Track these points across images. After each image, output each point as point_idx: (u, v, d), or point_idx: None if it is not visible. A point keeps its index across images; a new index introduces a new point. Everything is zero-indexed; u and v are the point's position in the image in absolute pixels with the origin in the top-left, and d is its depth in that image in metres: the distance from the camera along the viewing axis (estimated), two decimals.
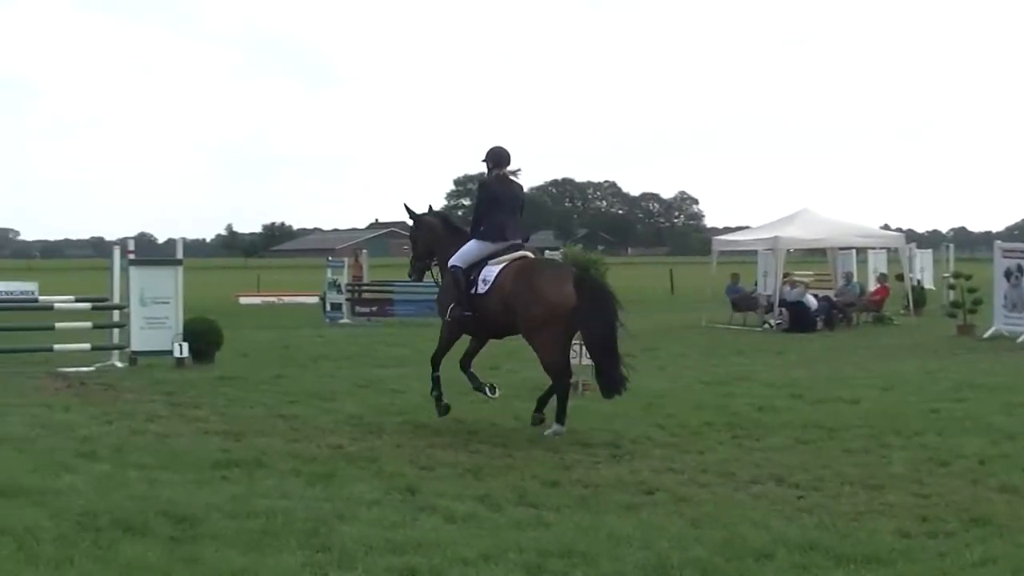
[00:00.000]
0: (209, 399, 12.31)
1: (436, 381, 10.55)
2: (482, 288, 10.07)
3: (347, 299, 28.71)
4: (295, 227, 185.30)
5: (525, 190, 10.94)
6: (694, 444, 9.41)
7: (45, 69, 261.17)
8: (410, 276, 11.40)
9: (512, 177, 10.47)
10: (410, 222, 11.06)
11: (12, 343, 16.74)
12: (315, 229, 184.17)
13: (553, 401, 9.97)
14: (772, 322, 24.02)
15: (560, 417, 9.87)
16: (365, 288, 30.00)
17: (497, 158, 10.37)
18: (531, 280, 9.82)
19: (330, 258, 31.96)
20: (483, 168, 10.55)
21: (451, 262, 10.34)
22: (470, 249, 10.31)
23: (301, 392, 12.89)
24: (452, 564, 5.86)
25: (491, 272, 10.06)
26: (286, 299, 40.75)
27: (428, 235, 10.91)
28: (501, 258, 10.14)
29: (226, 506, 7.01)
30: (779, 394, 12.51)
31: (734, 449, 9.19)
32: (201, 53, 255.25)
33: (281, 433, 10.01)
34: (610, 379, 9.72)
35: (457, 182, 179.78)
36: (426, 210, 11.13)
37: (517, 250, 10.28)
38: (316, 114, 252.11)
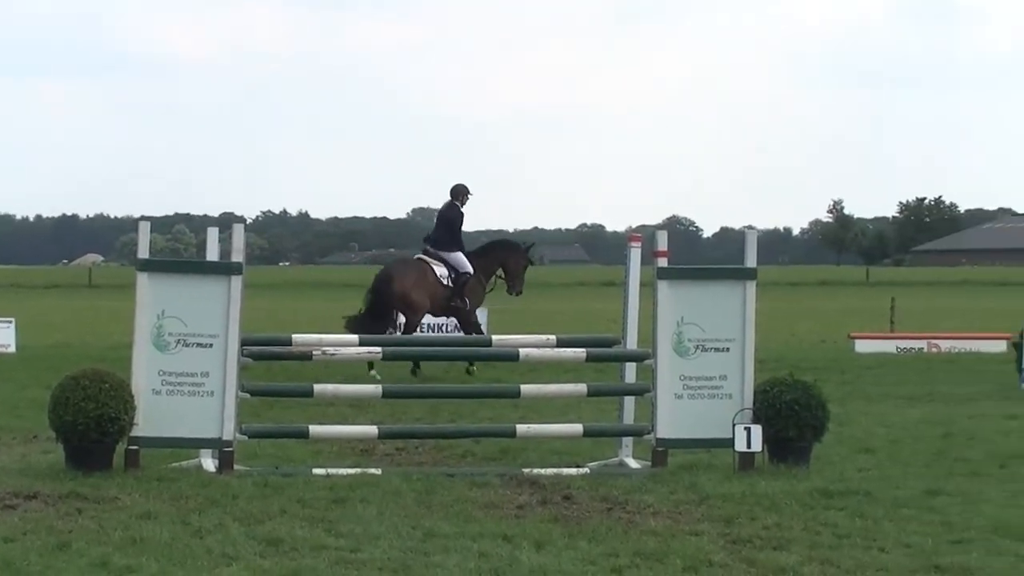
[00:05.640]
0: (803, 533, 11.36)
1: None
2: None
3: None
4: (961, 208, 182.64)
5: (461, 209, 24.30)
6: None
7: None
8: None
9: (455, 202, 24.14)
10: None
11: (438, 417, 16.99)
12: (999, 210, 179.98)
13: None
14: None
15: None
16: None
17: (454, 192, 24.26)
18: None
19: None
20: None
21: None
22: None
23: (976, 523, 11.61)
24: None
25: None
26: (942, 343, 37.93)
27: None
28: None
29: None
30: None
31: None
32: None
33: None
34: None
35: None
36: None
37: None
38: None
